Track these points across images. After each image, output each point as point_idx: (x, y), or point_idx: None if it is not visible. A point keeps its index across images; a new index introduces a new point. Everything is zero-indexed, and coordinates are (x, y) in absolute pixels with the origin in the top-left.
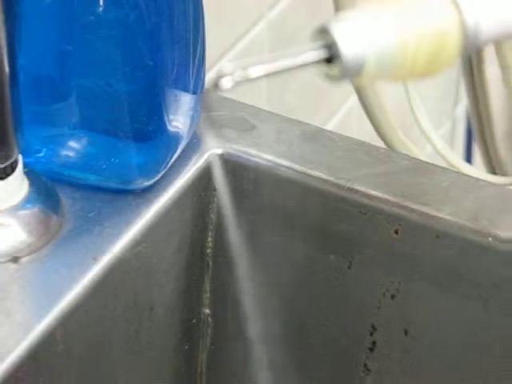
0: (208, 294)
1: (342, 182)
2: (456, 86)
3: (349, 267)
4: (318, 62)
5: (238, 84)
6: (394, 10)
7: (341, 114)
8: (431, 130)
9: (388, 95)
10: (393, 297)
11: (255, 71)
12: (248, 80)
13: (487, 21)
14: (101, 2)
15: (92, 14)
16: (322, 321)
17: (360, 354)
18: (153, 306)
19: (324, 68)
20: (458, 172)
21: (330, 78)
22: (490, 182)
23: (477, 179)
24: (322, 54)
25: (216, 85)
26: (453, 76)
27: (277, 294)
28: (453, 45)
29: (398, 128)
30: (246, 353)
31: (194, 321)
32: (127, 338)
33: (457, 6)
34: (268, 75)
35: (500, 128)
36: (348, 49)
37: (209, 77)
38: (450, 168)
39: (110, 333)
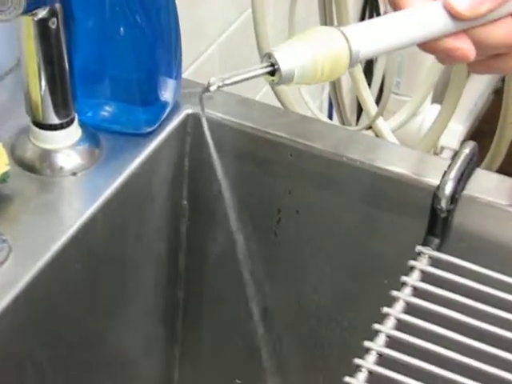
0: (186, 192)
1: (260, 128)
2: None
3: (264, 174)
4: (265, 73)
5: (219, 88)
6: (308, 42)
7: (263, 92)
8: (310, 101)
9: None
10: (290, 192)
11: (229, 80)
12: (225, 85)
13: (365, 46)
14: (121, 29)
15: (117, 34)
16: (252, 204)
17: (272, 224)
18: (153, 199)
19: (269, 77)
20: (325, 122)
21: (272, 83)
22: (342, 128)
23: (336, 126)
24: (268, 69)
25: (206, 88)
26: None
27: (226, 187)
28: (344, 62)
29: (293, 100)
30: (210, 223)
31: (177, 207)
32: (137, 218)
33: (346, 38)
34: (237, 82)
35: (346, 102)
36: (284, 66)
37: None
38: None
39: (127, 216)
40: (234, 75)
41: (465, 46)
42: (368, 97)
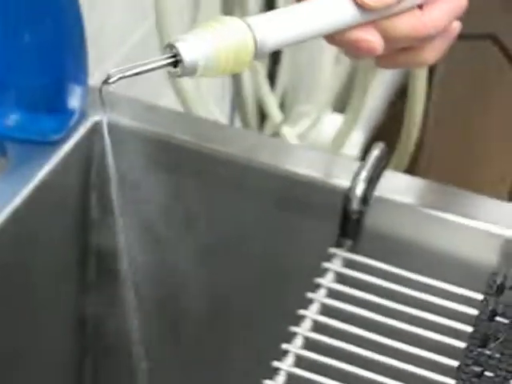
0: (94, 200)
1: (168, 133)
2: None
3: (174, 180)
4: (167, 65)
5: (119, 79)
6: (211, 32)
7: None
8: (214, 107)
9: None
10: (200, 198)
11: (129, 72)
12: (125, 77)
13: (270, 37)
14: (26, 34)
15: (21, 40)
16: (161, 209)
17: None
18: (63, 207)
19: (171, 69)
20: (234, 127)
21: (175, 76)
22: (252, 133)
23: (245, 131)
24: (170, 60)
25: (106, 80)
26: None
27: (138, 208)
28: (249, 52)
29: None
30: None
31: (87, 216)
32: (47, 227)
33: (250, 28)
34: (138, 74)
35: (249, 108)
36: (186, 57)
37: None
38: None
39: (36, 225)
40: (135, 67)
41: (372, 38)
42: (272, 104)
